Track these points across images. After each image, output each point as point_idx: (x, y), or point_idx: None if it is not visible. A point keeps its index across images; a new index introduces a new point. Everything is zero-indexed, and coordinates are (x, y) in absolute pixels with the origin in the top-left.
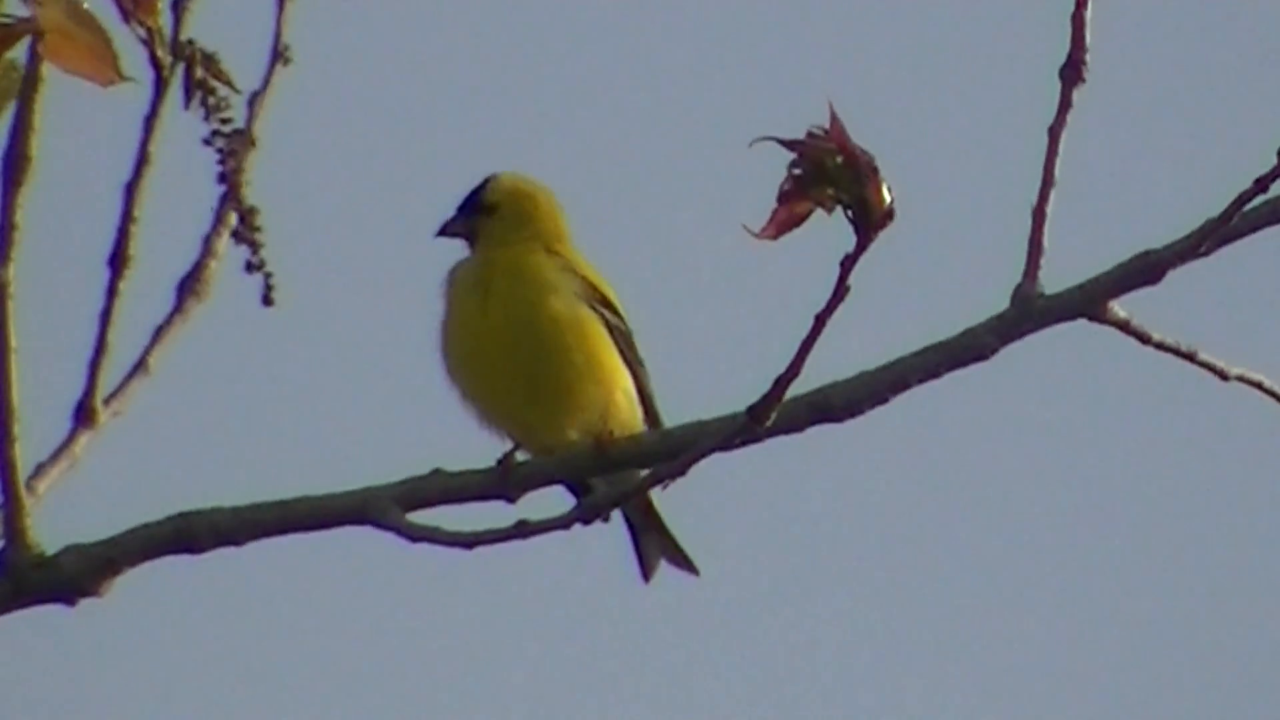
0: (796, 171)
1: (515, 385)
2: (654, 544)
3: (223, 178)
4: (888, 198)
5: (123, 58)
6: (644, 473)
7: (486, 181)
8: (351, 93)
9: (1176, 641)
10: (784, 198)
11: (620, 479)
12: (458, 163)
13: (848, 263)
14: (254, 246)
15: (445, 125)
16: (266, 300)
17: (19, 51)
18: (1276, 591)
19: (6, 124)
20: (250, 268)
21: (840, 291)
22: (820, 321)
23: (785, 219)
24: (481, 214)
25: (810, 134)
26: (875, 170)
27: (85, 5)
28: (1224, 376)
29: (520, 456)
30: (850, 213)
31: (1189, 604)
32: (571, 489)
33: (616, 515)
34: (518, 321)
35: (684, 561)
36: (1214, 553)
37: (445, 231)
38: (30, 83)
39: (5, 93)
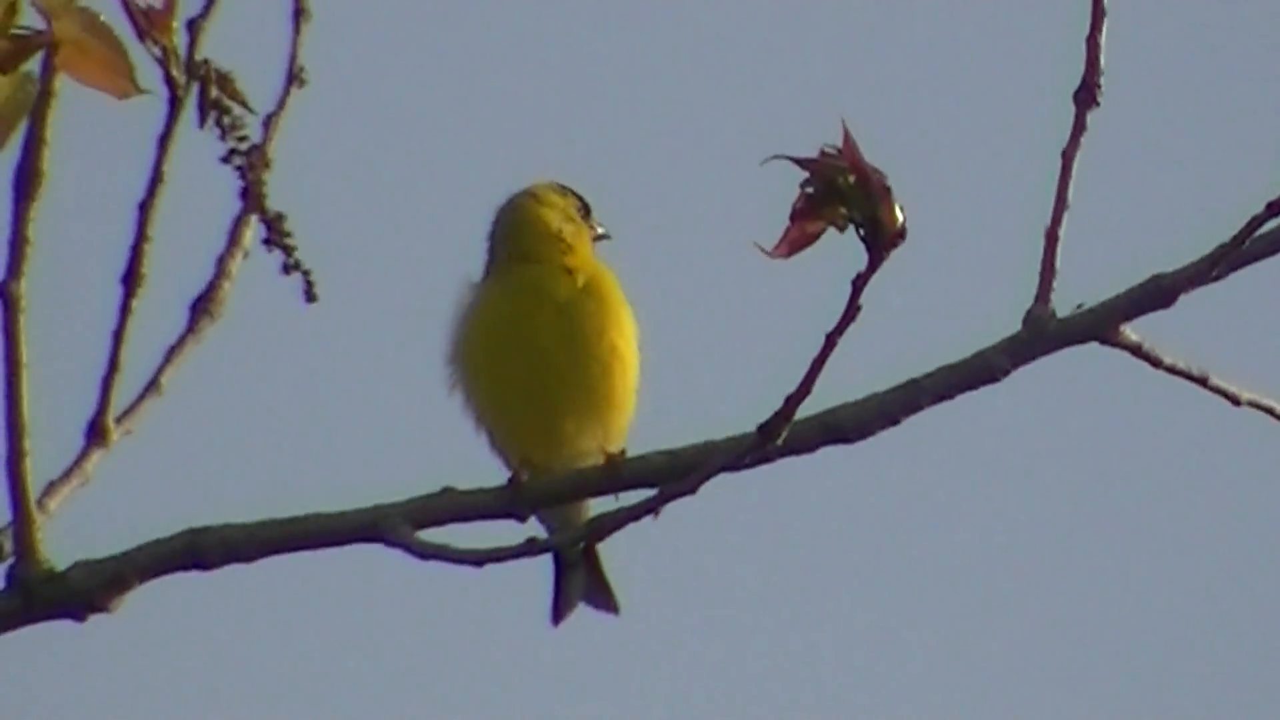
0: (809, 190)
1: (566, 390)
2: (577, 583)
3: (244, 191)
4: (900, 217)
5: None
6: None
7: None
8: (366, 115)
9: (1189, 662)
10: (796, 216)
11: (565, 513)
12: (471, 183)
13: (859, 282)
14: (287, 250)
15: (458, 146)
16: (309, 296)
17: (34, 64)
18: None
19: (20, 138)
20: (287, 269)
21: (852, 311)
22: (831, 340)
23: (797, 237)
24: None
25: (823, 153)
26: (888, 190)
27: (101, 18)
28: (1235, 401)
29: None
30: (862, 232)
31: (1201, 626)
32: (522, 521)
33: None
34: (601, 332)
35: (606, 600)
36: (1225, 577)
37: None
38: (43, 97)
39: (20, 105)
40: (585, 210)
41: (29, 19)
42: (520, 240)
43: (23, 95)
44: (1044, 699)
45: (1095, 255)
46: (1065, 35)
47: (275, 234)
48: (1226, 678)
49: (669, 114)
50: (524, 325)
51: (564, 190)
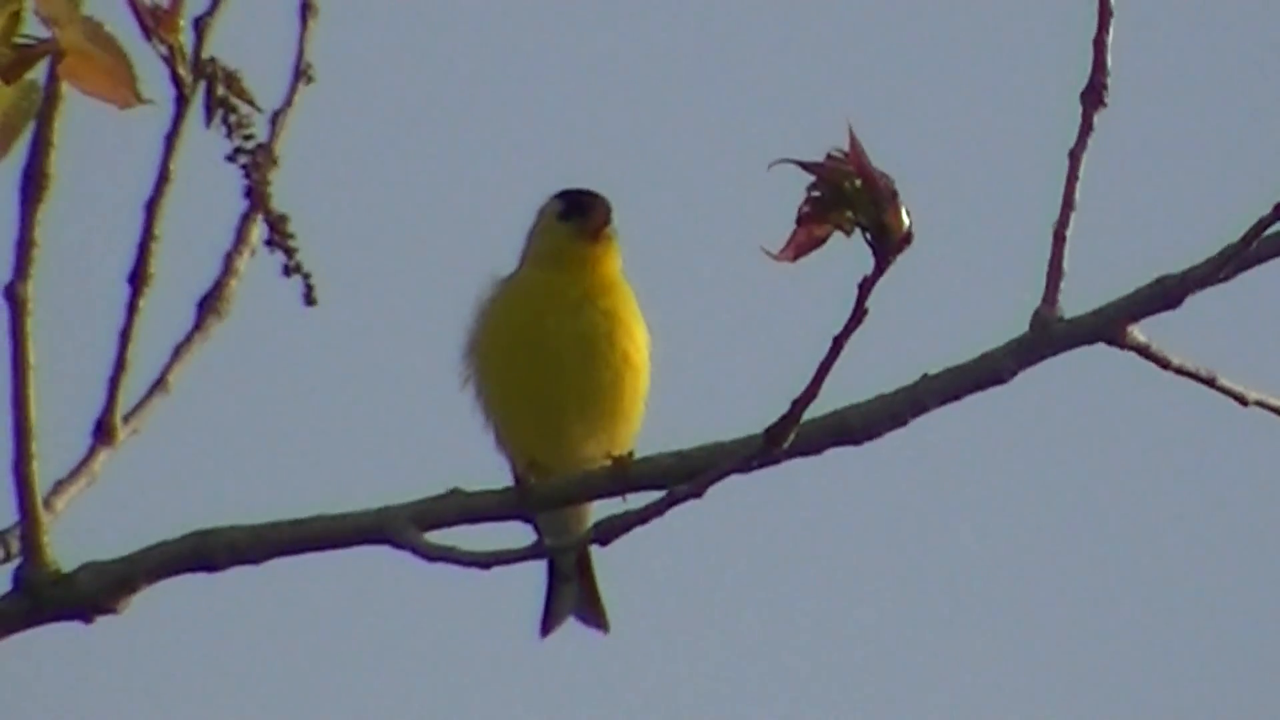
0: (815, 194)
1: (575, 394)
2: (569, 596)
3: (249, 191)
4: (906, 221)
5: (144, 75)
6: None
7: (600, 197)
8: (374, 112)
9: (1198, 666)
10: (803, 220)
11: (557, 520)
12: (479, 182)
13: (866, 285)
14: (289, 251)
15: (467, 143)
16: (309, 300)
17: (38, 72)
18: None
19: (26, 141)
20: (288, 271)
21: (858, 314)
22: (838, 343)
23: (804, 241)
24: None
25: (829, 156)
26: (894, 193)
27: (106, 27)
28: (1243, 402)
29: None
30: (869, 236)
31: (1209, 628)
32: (530, 522)
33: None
34: (614, 339)
35: (596, 617)
36: (1234, 578)
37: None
38: (49, 100)
39: (25, 113)
40: (606, 217)
41: (33, 28)
42: (544, 243)
43: (27, 103)
44: (1048, 700)
45: (1102, 256)
46: (1072, 36)
47: (278, 235)
48: (1233, 678)
49: (676, 117)
50: (537, 327)
51: (594, 198)
